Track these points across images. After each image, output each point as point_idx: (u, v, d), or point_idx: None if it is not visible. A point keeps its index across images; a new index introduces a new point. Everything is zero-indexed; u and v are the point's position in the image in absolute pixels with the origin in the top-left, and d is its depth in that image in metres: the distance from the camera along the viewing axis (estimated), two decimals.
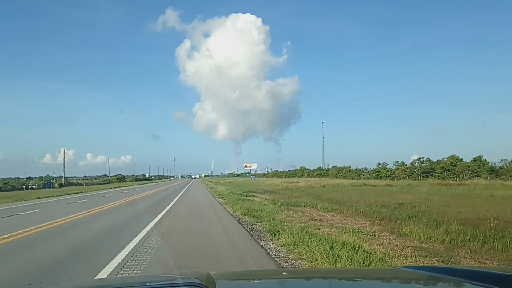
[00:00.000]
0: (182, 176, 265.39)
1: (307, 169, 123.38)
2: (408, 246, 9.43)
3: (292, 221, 13.23)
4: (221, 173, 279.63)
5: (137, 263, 7.28)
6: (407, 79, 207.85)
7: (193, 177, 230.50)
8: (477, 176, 57.15)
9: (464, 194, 29.86)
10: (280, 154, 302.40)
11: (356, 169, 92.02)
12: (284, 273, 3.52)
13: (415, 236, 11.00)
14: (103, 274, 6.48)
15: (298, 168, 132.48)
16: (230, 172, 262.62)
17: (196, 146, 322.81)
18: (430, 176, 65.83)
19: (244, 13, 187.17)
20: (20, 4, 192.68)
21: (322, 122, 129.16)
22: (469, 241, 10.15)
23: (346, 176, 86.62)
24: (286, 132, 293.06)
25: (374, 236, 10.81)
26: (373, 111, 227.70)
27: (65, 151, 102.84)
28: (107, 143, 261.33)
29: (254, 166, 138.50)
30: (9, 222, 15.57)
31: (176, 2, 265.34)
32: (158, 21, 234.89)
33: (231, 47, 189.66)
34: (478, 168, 60.63)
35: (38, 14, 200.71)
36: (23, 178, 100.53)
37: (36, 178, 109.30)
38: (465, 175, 59.56)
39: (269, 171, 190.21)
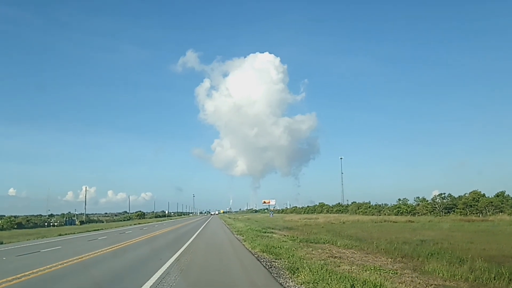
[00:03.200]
0: (201, 213, 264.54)
1: (326, 205, 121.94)
2: (431, 285, 9.15)
3: (312, 258, 13.01)
4: (240, 209, 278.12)
5: None
6: (427, 114, 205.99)
7: (212, 213, 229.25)
8: (501, 212, 55.28)
9: (487, 231, 28.91)
10: (298, 189, 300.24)
11: (376, 205, 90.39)
12: None
13: (438, 274, 10.67)
14: None
15: (317, 204, 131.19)
16: (248, 208, 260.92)
17: (214, 182, 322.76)
18: (452, 212, 64.02)
19: (262, 53, 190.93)
20: (44, 47, 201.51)
21: (341, 158, 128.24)
22: (494, 279, 9.80)
23: (366, 212, 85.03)
24: (304, 167, 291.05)
25: (396, 274, 10.53)
26: (393, 146, 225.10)
27: (87, 188, 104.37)
28: (127, 180, 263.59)
29: (272, 202, 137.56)
30: (30, 259, 15.70)
31: (197, 44, 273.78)
32: (179, 62, 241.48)
33: (249, 86, 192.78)
34: (502, 203, 58.74)
35: (61, 55, 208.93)
36: (45, 216, 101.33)
37: (58, 215, 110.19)
38: (488, 211, 57.74)
39: (288, 207, 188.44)
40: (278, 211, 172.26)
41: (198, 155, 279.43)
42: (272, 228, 35.64)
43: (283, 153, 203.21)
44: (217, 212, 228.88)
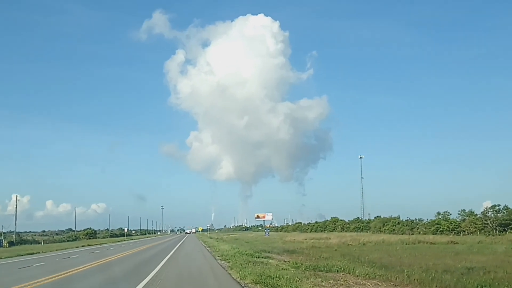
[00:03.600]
0: (172, 231, 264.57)
1: (341, 220, 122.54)
2: None
3: None
4: (225, 226, 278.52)
5: None
6: (477, 100, 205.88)
7: (187, 231, 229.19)
8: None
9: None
10: (304, 199, 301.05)
11: (407, 220, 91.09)
12: None
13: None
14: None
15: (329, 219, 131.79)
16: (236, 225, 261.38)
17: (191, 190, 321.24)
18: (509, 230, 64.52)
19: (256, 15, 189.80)
20: None
21: (360, 157, 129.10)
22: None
23: (393, 230, 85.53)
24: (312, 169, 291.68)
25: None
26: (430, 143, 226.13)
27: (18, 198, 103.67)
28: (73, 187, 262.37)
29: (268, 216, 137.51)
30: None
31: (167, 3, 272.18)
32: (143, 27, 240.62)
33: (238, 60, 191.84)
34: None
35: None
36: None
37: None
38: None
39: (289, 223, 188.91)
40: (276, 229, 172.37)
41: (169, 153, 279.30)
42: (268, 252, 35.70)
43: (283, 151, 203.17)
44: (194, 230, 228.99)
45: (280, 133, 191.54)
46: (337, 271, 20.27)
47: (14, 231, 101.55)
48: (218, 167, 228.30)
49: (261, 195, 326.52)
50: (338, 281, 16.28)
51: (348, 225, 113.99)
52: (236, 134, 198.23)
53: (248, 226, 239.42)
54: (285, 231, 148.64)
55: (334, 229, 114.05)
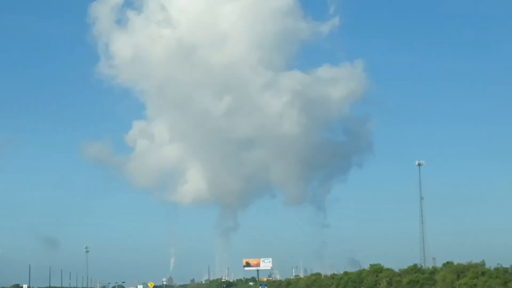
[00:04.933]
0: None
1: (388, 269, 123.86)
2: None
3: None
4: (193, 280, 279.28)
5: None
6: None
7: None
8: None
9: None
10: (324, 234, 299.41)
11: (497, 268, 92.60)
12: None
13: None
14: None
15: (367, 267, 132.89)
16: (212, 279, 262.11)
17: (134, 220, 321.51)
18: None
19: None
20: None
21: (419, 164, 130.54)
22: None
23: (475, 284, 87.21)
24: (338, 184, 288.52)
25: None
26: None
27: None
28: None
29: (266, 264, 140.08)
30: None
31: None
32: None
33: (213, 3, 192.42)
34: None
35: None
36: None
37: None
38: None
39: (301, 275, 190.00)
40: (280, 284, 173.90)
41: (97, 158, 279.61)
42: None
43: (289, 154, 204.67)
44: None
45: (285, 124, 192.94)
46: None
47: None
48: (180, 181, 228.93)
49: (254, 229, 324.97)
50: None
51: (399, 278, 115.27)
52: (211, 126, 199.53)
53: (231, 280, 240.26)
54: None
55: (375, 284, 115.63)
